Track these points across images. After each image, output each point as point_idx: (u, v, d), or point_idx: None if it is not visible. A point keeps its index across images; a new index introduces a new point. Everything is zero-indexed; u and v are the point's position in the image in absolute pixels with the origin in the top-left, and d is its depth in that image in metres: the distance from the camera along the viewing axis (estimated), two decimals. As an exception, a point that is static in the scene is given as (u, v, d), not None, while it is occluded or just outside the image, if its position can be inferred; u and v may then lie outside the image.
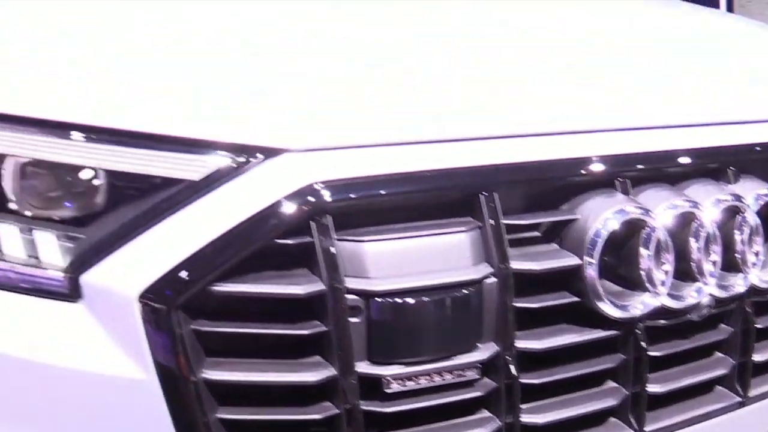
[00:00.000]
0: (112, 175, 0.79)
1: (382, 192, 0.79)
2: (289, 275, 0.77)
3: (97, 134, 0.79)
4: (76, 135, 0.80)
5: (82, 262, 0.77)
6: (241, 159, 0.77)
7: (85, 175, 0.80)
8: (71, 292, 0.77)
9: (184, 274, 0.74)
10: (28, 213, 0.81)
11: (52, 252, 0.80)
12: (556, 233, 0.89)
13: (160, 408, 0.75)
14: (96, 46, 0.87)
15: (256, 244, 0.75)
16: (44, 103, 0.82)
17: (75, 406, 0.77)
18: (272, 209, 0.75)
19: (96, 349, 0.76)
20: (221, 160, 0.77)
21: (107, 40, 0.88)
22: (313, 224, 0.75)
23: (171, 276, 0.73)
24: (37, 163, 0.81)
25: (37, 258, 0.80)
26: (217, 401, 0.77)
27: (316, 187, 0.76)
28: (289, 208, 0.75)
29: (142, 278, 0.74)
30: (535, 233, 0.89)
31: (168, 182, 0.77)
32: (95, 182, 0.80)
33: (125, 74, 0.83)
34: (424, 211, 0.83)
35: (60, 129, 0.80)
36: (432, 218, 0.83)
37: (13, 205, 0.81)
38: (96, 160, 0.79)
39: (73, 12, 0.94)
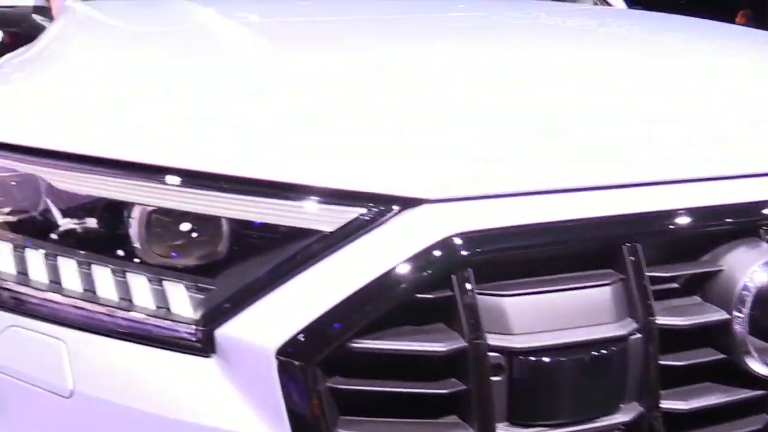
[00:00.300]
0: (241, 225, 0.78)
1: (522, 243, 0.76)
2: (426, 331, 0.74)
3: (227, 183, 0.78)
4: (205, 183, 0.79)
5: (215, 315, 0.75)
6: (378, 210, 0.74)
7: (212, 224, 0.79)
8: (205, 346, 0.75)
9: (323, 329, 0.71)
10: (154, 262, 0.81)
11: (183, 304, 0.78)
12: (695, 285, 0.84)
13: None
14: (228, 98, 0.87)
15: (395, 299, 0.72)
16: (173, 151, 0.81)
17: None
18: (412, 263, 0.72)
19: (229, 405, 0.74)
20: (356, 211, 0.75)
21: (241, 92, 0.88)
22: (453, 278, 0.72)
23: (310, 331, 0.71)
24: (165, 212, 0.81)
25: (167, 309, 0.78)
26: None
27: (456, 239, 0.73)
28: (430, 262, 0.72)
29: (280, 333, 0.72)
30: (674, 285, 0.84)
31: (301, 233, 0.75)
32: (223, 232, 0.79)
33: (257, 124, 0.82)
34: (560, 262, 0.79)
35: (189, 177, 0.79)
36: (566, 270, 0.79)
37: (139, 254, 0.81)
38: (226, 210, 0.78)
39: (216, 66, 0.94)
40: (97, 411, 0.77)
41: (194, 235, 0.81)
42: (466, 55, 1.06)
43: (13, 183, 0.91)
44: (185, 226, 0.81)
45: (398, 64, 0.99)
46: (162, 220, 0.82)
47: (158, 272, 0.80)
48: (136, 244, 0.82)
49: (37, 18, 1.92)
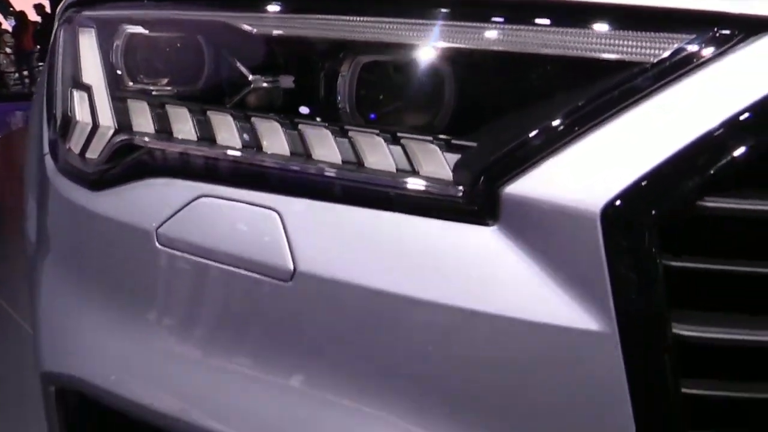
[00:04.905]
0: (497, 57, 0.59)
1: None
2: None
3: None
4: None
5: (494, 171, 0.56)
6: (713, 36, 0.55)
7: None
8: (482, 211, 0.56)
9: (664, 181, 0.52)
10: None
11: (437, 163, 0.60)
12: None
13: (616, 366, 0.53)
14: None
15: (753, 144, 0.52)
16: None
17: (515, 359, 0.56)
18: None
19: (522, 288, 0.55)
20: (681, 38, 0.55)
21: None
22: None
23: (649, 185, 0.52)
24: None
25: (413, 171, 0.60)
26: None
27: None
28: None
29: (606, 187, 0.52)
30: None
31: (612, 66, 0.56)
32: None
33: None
34: None
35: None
36: None
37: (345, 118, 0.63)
38: (483, 40, 0.59)
39: None
40: (328, 295, 0.58)
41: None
42: None
43: (176, 37, 0.73)
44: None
45: None
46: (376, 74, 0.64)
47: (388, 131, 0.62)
48: (343, 105, 0.64)
49: None
